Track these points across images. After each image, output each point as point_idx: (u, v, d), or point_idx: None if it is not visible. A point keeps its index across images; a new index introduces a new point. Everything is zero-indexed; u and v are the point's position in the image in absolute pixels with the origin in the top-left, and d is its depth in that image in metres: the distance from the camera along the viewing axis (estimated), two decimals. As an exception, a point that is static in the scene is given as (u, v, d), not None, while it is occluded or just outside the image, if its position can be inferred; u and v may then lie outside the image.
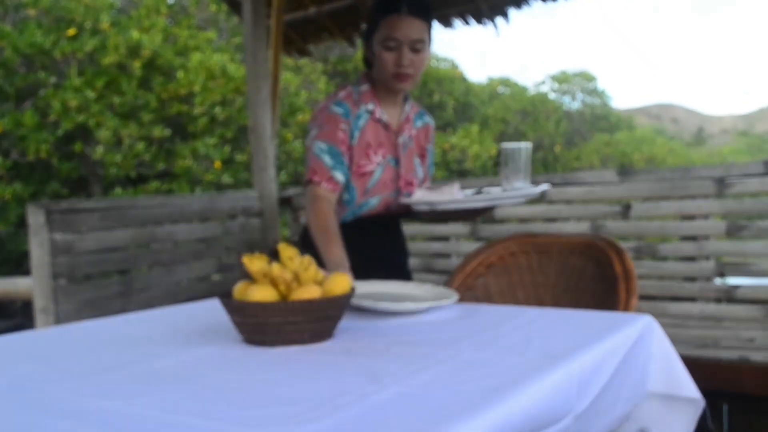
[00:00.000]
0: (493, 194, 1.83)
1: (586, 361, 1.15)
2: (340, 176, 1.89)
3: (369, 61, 2.02)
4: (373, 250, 2.03)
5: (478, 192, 1.89)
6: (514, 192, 1.80)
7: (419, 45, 1.88)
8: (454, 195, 1.82)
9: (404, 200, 1.92)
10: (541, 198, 3.86)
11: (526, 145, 1.83)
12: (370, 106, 1.96)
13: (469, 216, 2.01)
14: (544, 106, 16.60)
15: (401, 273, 2.14)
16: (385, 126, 1.99)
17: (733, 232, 3.42)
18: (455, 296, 1.61)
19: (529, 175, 1.85)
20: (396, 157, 2.00)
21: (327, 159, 1.88)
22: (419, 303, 1.54)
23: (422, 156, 2.11)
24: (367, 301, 1.51)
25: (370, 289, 1.66)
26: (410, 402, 0.93)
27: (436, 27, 4.38)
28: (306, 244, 2.06)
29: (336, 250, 1.72)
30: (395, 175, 2.00)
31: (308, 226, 1.85)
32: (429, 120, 2.15)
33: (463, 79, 15.81)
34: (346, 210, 1.99)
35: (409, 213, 2.09)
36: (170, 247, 3.94)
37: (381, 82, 1.96)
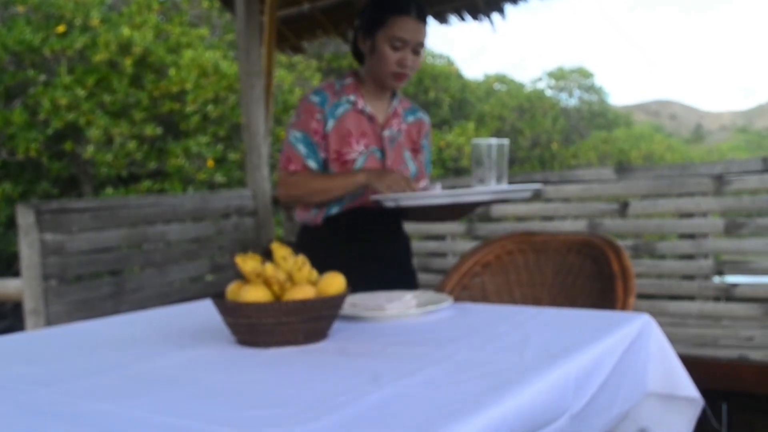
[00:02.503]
0: (458, 191, 1.79)
1: (584, 361, 1.15)
2: (313, 164, 1.99)
3: (360, 54, 2.04)
4: (368, 246, 2.03)
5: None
6: (483, 189, 1.75)
7: (420, 48, 1.97)
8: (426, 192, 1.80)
9: (373, 197, 1.92)
10: (537, 196, 3.87)
11: (499, 142, 1.79)
12: (352, 98, 2.02)
13: (448, 217, 2.03)
14: (541, 103, 16.62)
15: (403, 272, 2.14)
16: (369, 118, 2.03)
17: (732, 229, 3.43)
18: (444, 302, 1.61)
19: (505, 173, 1.80)
20: (381, 149, 2.03)
21: (301, 148, 2.00)
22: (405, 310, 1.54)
23: (415, 151, 2.12)
24: (349, 309, 1.51)
25: (356, 299, 1.65)
26: (406, 403, 0.93)
27: (432, 23, 4.38)
28: (303, 244, 2.07)
29: (349, 175, 1.90)
30: (381, 167, 2.02)
31: (298, 196, 1.99)
32: (422, 116, 2.17)
33: (459, 76, 15.82)
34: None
35: (403, 212, 2.09)
36: (162, 248, 3.93)
37: (376, 77, 2.01)
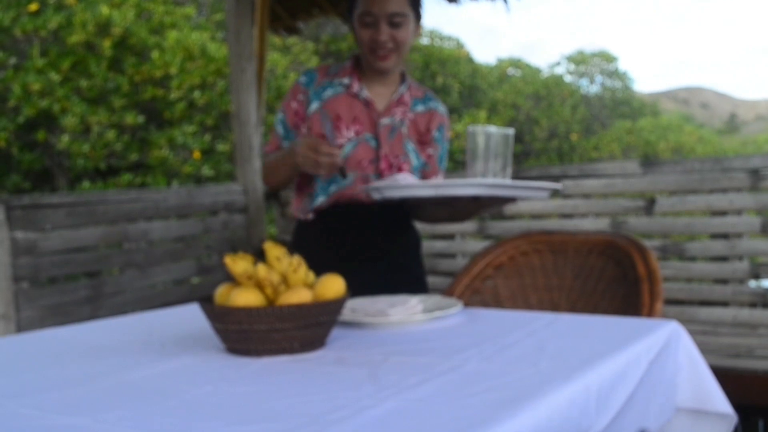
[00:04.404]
0: (446, 181, 1.75)
1: (606, 373, 1.15)
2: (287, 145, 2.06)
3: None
4: (364, 244, 2.03)
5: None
6: (474, 180, 1.67)
7: (398, 19, 1.93)
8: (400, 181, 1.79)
9: (362, 187, 1.93)
10: (555, 192, 3.86)
11: (500, 131, 1.72)
12: (346, 81, 2.04)
13: (449, 215, 2.03)
14: (559, 90, 16.61)
15: (408, 275, 2.13)
16: (366, 103, 2.04)
17: (769, 229, 3.42)
18: (452, 308, 1.61)
19: (508, 168, 1.75)
20: (376, 137, 2.03)
21: (280, 128, 2.09)
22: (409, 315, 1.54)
23: (422, 143, 2.12)
24: (348, 315, 1.51)
25: (356, 303, 1.65)
26: (410, 418, 0.93)
27: (441, 3, 4.38)
28: (300, 242, 2.08)
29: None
30: (374, 156, 2.03)
31: (264, 178, 2.12)
32: (436, 106, 2.16)
33: (470, 60, 15.81)
34: (316, 187, 2.03)
35: (410, 209, 2.09)
36: (144, 247, 3.94)
37: (364, 61, 2.04)
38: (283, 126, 2.07)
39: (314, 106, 2.02)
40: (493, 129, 1.72)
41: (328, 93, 2.03)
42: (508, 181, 1.71)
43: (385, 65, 1.98)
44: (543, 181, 1.82)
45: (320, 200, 2.02)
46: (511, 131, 1.75)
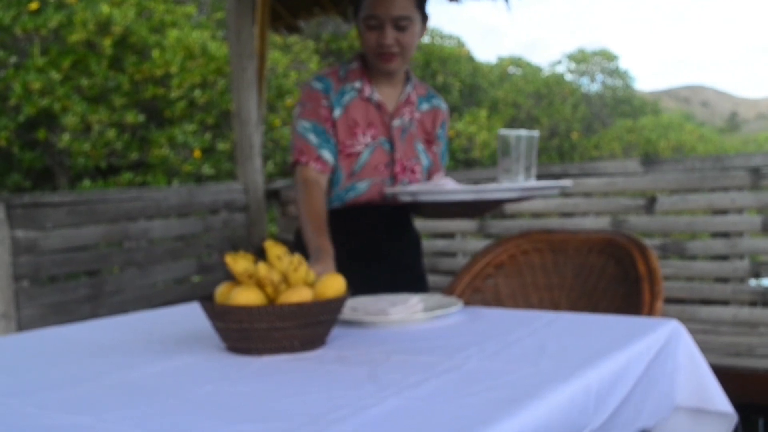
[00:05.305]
0: (483, 187, 1.80)
1: (606, 372, 1.15)
2: (327, 155, 1.97)
3: None
4: (370, 244, 2.04)
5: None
6: (510, 185, 1.77)
7: (404, 22, 1.91)
8: (443, 186, 1.81)
9: (388, 190, 1.94)
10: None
11: (528, 133, 1.81)
12: (357, 84, 2.02)
13: (467, 213, 2.02)
14: (560, 89, 16.60)
15: (410, 275, 2.14)
16: (378, 106, 2.02)
17: (770, 228, 3.42)
18: (453, 306, 1.61)
19: (534, 168, 1.82)
20: (390, 140, 2.03)
21: (312, 138, 1.97)
22: (408, 314, 1.54)
23: (429, 142, 2.13)
24: (349, 314, 1.51)
25: (357, 302, 1.66)
26: (411, 416, 0.93)
27: (442, 2, 4.38)
28: (301, 243, 2.08)
29: (322, 238, 1.80)
30: (389, 160, 2.02)
31: (298, 213, 1.94)
32: (439, 103, 2.17)
33: (470, 59, 15.79)
34: (331, 194, 2.02)
35: (413, 206, 2.10)
36: (145, 246, 3.94)
37: (370, 63, 2.02)
38: (315, 134, 1.97)
39: (338, 112, 1.99)
40: (522, 132, 1.81)
41: (346, 99, 2.01)
42: (538, 183, 1.80)
43: (390, 67, 1.97)
44: (559, 180, 1.90)
45: (334, 205, 2.02)
46: (536, 134, 1.83)
